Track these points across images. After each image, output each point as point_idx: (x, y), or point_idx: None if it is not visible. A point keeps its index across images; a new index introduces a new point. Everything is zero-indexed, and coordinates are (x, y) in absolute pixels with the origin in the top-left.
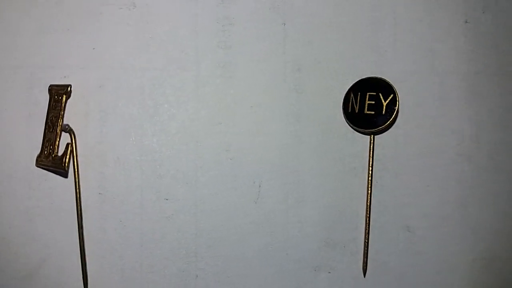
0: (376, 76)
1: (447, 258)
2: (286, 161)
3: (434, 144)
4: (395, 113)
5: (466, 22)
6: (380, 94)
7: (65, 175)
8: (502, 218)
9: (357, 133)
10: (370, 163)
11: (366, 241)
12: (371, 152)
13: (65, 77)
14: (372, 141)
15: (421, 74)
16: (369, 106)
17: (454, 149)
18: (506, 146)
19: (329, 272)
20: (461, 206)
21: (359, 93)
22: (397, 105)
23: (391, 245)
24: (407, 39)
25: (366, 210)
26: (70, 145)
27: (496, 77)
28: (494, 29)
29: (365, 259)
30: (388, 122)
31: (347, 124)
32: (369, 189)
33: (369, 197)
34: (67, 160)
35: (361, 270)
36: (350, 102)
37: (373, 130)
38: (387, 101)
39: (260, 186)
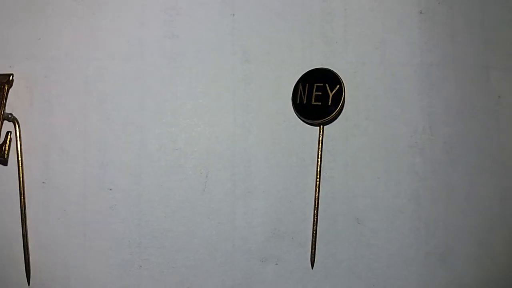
0: (325, 67)
1: (399, 251)
2: (234, 152)
3: (385, 135)
4: (340, 104)
5: (420, 13)
6: (327, 85)
7: (4, 163)
8: (457, 211)
9: (307, 124)
10: (319, 155)
11: (314, 232)
12: (320, 144)
13: (10, 67)
14: (321, 133)
15: (373, 65)
16: (316, 97)
17: (406, 141)
18: (460, 138)
19: (277, 264)
20: (414, 198)
21: (307, 84)
22: (343, 96)
23: (341, 237)
24: (358, 30)
25: (315, 202)
26: (10, 134)
27: (451, 68)
28: (450, 20)
29: (313, 250)
30: (334, 113)
31: (296, 115)
32: (318, 180)
33: (317, 188)
34: (6, 148)
35: (309, 261)
36: (299, 93)
37: (320, 121)
38: (333, 92)
39: (207, 176)
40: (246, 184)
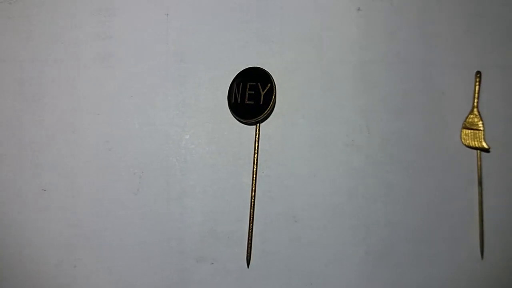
0: (257, 66)
1: (337, 249)
2: (168, 152)
3: (322, 134)
4: (271, 103)
5: (358, 9)
6: (259, 84)
7: None
8: (396, 209)
9: (244, 123)
10: (256, 153)
11: (250, 231)
12: (256, 142)
13: None
14: (257, 131)
15: (310, 63)
16: (249, 96)
17: (343, 139)
18: (398, 136)
19: (212, 263)
20: (351, 197)
21: (241, 84)
22: (274, 95)
23: (277, 236)
24: (295, 28)
25: (251, 201)
26: None
27: (392, 65)
28: (390, 17)
29: (249, 249)
30: (265, 112)
31: (232, 115)
32: (254, 179)
33: (254, 187)
34: None
35: (245, 260)
36: (233, 93)
37: (253, 120)
38: (264, 91)
39: (140, 177)
40: (181, 184)
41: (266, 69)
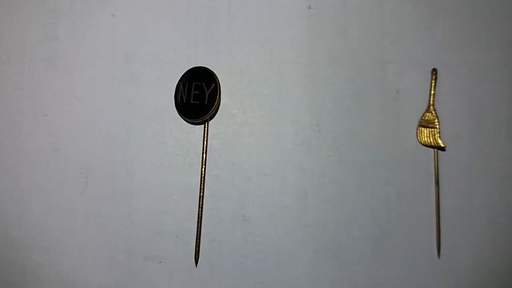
0: (202, 66)
1: (286, 248)
2: (115, 152)
3: (272, 133)
4: (216, 103)
5: (309, 8)
6: (204, 84)
7: None
8: (348, 208)
9: (190, 123)
10: (204, 153)
11: (199, 230)
12: (205, 142)
13: None
14: (206, 131)
15: (259, 63)
16: (195, 96)
17: (293, 139)
18: (350, 135)
19: (160, 262)
20: (301, 196)
21: (187, 83)
22: (218, 95)
23: (226, 235)
24: (244, 28)
25: (199, 200)
26: None
27: (344, 64)
28: (342, 15)
29: (197, 248)
30: (210, 111)
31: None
32: (203, 178)
33: (202, 186)
34: None
35: (193, 260)
36: (180, 92)
37: (198, 120)
38: (209, 91)
39: (87, 177)
40: (128, 184)
41: (212, 69)
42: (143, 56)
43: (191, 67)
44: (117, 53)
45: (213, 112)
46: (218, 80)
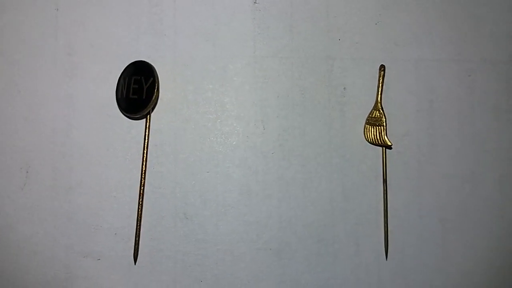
0: (142, 60)
1: (228, 247)
2: (55, 147)
3: (216, 129)
4: (153, 97)
5: (255, 2)
6: (143, 78)
7: None
8: (293, 206)
9: (129, 118)
10: (145, 148)
11: (138, 228)
12: (146, 138)
13: None
14: (147, 126)
15: (203, 57)
16: (134, 90)
17: (237, 135)
18: (295, 132)
19: (99, 259)
20: (244, 193)
21: (127, 78)
22: (156, 89)
23: (167, 233)
24: (188, 22)
25: (139, 197)
26: None
27: (290, 60)
28: (289, 10)
29: (136, 246)
30: (148, 106)
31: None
32: (143, 174)
33: (143, 182)
34: None
35: (132, 257)
36: (120, 87)
37: (137, 115)
38: (147, 85)
39: (27, 172)
40: (68, 179)
41: (155, 63)
42: (86, 50)
43: (132, 61)
44: (59, 47)
45: (151, 107)
46: (157, 74)
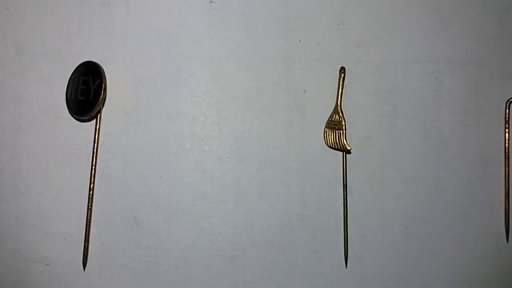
0: (91, 60)
1: (181, 253)
2: (2, 149)
3: (169, 132)
4: (100, 99)
5: (211, 1)
6: (91, 79)
7: None
8: (247, 211)
9: (78, 120)
10: (95, 151)
11: (87, 233)
12: (96, 141)
13: None
14: (97, 128)
15: (156, 58)
16: (82, 91)
17: (191, 138)
18: (252, 135)
19: (48, 264)
20: (199, 198)
21: (76, 79)
22: (103, 90)
23: (117, 238)
24: (140, 21)
25: (89, 201)
26: None
27: (247, 61)
28: (247, 10)
29: (86, 251)
30: (95, 108)
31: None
32: (93, 178)
33: (92, 186)
34: None
35: (81, 263)
36: (70, 88)
37: (84, 117)
38: (94, 86)
39: None
40: (15, 183)
41: (108, 64)
42: (36, 49)
43: (82, 62)
44: (9, 46)
45: (98, 109)
46: (105, 75)
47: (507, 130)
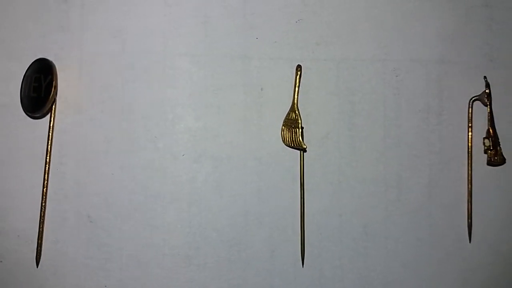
0: (44, 57)
1: (135, 252)
2: None
3: (122, 129)
4: (50, 96)
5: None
6: (42, 76)
7: None
8: (201, 209)
9: (31, 117)
10: (49, 148)
11: (41, 230)
12: (50, 138)
13: None
14: (51, 125)
15: (111, 54)
16: (34, 88)
17: (145, 135)
18: (207, 133)
19: (1, 261)
20: (152, 196)
21: (29, 76)
22: (53, 87)
23: (71, 236)
24: (96, 18)
25: (42, 198)
26: None
27: (204, 58)
28: (203, 6)
29: (39, 249)
30: (45, 105)
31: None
32: (46, 175)
33: (46, 183)
34: None
35: (35, 260)
36: (23, 85)
37: (36, 114)
38: (45, 83)
39: None
40: None
41: (62, 61)
42: None
43: (35, 59)
44: None
45: (49, 106)
46: (56, 72)
47: (470, 129)
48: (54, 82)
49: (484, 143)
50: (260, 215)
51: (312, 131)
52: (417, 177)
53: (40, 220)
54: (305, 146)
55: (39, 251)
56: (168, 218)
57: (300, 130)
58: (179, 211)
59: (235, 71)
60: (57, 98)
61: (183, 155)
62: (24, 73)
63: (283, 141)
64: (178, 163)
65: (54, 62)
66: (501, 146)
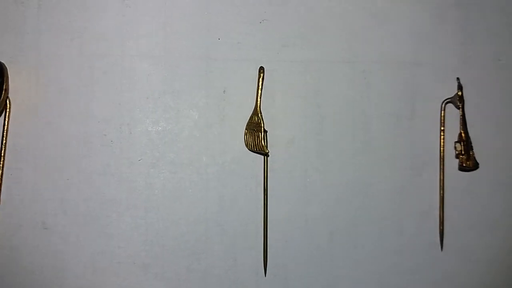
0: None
1: (91, 260)
2: None
3: (78, 133)
4: (1, 98)
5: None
6: None
7: None
8: (159, 217)
9: None
10: (2, 153)
11: None
12: (4, 141)
13: None
14: (5, 129)
15: (70, 57)
16: None
17: (100, 139)
18: (165, 137)
19: None
20: (108, 202)
21: None
22: (4, 90)
23: (25, 243)
24: (53, 20)
25: None
26: None
27: (160, 60)
28: (163, 6)
29: None
30: None
31: None
32: (0, 180)
33: None
34: None
35: None
36: None
37: None
38: None
39: None
40: None
41: (17, 63)
42: None
43: None
44: None
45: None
46: (7, 75)
47: (442, 132)
48: (4, 85)
49: (455, 148)
50: (221, 222)
51: (277, 135)
52: (387, 182)
53: None
54: (267, 151)
55: None
56: (124, 226)
57: (263, 134)
58: (135, 218)
59: (196, 73)
60: (12, 101)
61: (139, 160)
62: None
63: (246, 145)
64: (135, 169)
65: (10, 64)
66: (473, 150)
